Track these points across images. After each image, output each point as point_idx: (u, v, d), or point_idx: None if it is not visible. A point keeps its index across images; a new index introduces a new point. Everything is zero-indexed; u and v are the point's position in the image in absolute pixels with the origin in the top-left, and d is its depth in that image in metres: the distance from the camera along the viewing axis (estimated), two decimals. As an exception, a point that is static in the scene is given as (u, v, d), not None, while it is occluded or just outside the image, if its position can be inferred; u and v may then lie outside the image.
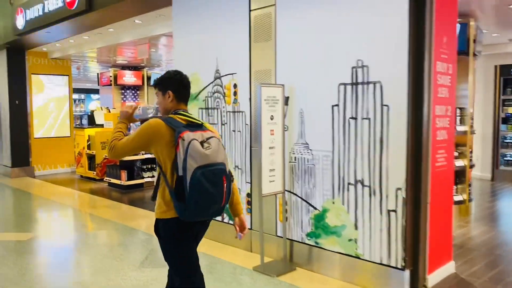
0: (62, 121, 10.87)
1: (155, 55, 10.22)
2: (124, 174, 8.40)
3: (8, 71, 10.02)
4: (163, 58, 10.91)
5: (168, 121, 2.37)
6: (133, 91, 12.85)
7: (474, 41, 5.67)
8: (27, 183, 9.74)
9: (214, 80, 4.96)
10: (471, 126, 5.77)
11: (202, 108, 5.14)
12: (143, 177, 8.67)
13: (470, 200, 5.90)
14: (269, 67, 4.36)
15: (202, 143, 2.29)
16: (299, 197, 4.19)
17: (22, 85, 10.23)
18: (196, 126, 2.39)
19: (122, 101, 12.71)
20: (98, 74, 13.23)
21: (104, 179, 8.92)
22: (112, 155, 2.44)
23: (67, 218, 6.76)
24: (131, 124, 2.65)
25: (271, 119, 4.06)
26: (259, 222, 4.07)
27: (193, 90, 5.14)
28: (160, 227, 2.42)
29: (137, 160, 8.52)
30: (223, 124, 4.90)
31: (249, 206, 4.67)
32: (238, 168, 4.75)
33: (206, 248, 4.75)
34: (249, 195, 4.66)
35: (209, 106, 5.05)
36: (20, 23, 8.22)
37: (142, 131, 2.36)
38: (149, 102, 12.97)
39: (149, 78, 12.72)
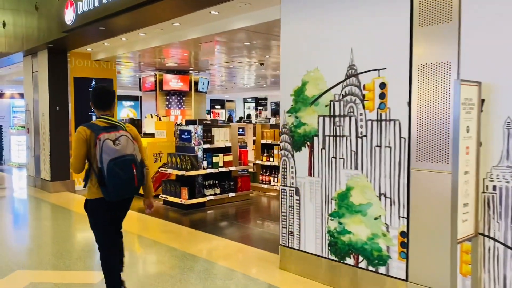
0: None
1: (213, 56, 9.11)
2: (185, 192, 7.24)
3: (49, 73, 9.02)
4: (218, 60, 9.80)
5: (90, 126, 3.13)
6: (179, 97, 11.76)
7: None
8: (68, 199, 8.67)
9: (346, 78, 3.76)
10: None
11: (324, 116, 3.94)
12: (204, 195, 7.49)
13: None
14: (447, 59, 3.13)
15: (114, 141, 3.05)
16: (500, 243, 2.93)
17: (64, 89, 9.21)
18: (112, 127, 3.14)
19: (167, 108, 11.62)
20: (140, 78, 12.19)
21: (160, 196, 7.78)
22: (73, 169, 3.16)
23: (126, 246, 5.59)
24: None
25: (467, 131, 2.83)
26: (451, 278, 2.82)
27: (310, 92, 3.95)
28: (88, 205, 3.23)
29: (198, 175, 7.36)
30: (360, 137, 3.68)
31: (404, 250, 3.42)
32: (386, 197, 3.52)
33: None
34: (404, 234, 3.42)
35: (337, 113, 3.84)
36: (69, 17, 7.18)
37: (76, 139, 3.11)
38: (195, 109, 11.88)
39: (196, 83, 11.62)
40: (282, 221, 4.39)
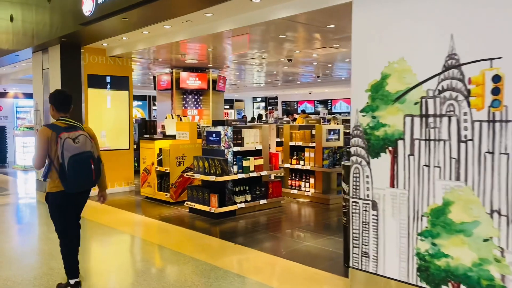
0: (120, 131, 9.17)
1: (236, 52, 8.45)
2: (215, 199, 6.60)
3: (61, 70, 8.38)
4: (242, 57, 9.15)
5: (51, 126, 3.58)
6: (196, 96, 11.11)
7: None
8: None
9: (445, 70, 3.12)
10: None
11: (412, 116, 3.30)
12: (235, 202, 6.85)
13: None
14: None
15: (74, 139, 3.49)
16: None
17: (77, 87, 8.57)
18: (71, 127, 3.59)
19: (183, 108, 10.97)
20: (154, 76, 11.54)
21: (185, 203, 7.13)
22: (35, 165, 3.57)
23: (146, 257, 4.93)
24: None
25: None
26: None
27: (393, 87, 3.32)
28: (49, 197, 3.63)
29: (228, 181, 6.72)
30: (464, 142, 3.05)
31: (528, 280, 2.79)
32: (500, 215, 2.88)
33: None
34: (526, 260, 2.79)
35: (430, 112, 3.21)
36: (87, 8, 6.54)
37: (39, 138, 3.53)
38: (214, 109, 11.24)
39: (214, 82, 10.97)
40: (353, 239, 3.75)
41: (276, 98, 22.46)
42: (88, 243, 5.80)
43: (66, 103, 3.73)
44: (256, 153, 7.26)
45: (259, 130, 7.37)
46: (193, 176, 6.98)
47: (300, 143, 8.22)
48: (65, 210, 3.64)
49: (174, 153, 7.64)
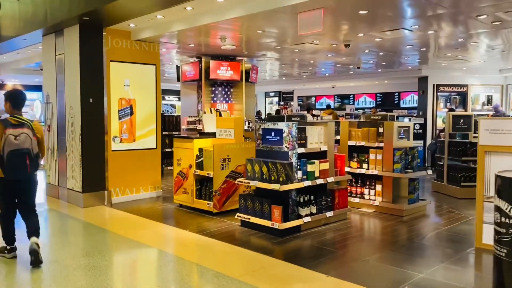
0: (147, 128, 7.91)
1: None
2: (278, 213, 5.38)
3: (81, 56, 7.08)
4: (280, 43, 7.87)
5: (3, 121, 4.22)
6: (226, 89, 9.84)
7: None
8: (107, 216, 6.83)
9: None
10: None
11: None
12: (299, 216, 5.64)
13: None
14: None
15: (16, 136, 4.13)
16: None
17: (99, 76, 7.29)
18: (20, 125, 4.22)
19: (212, 101, 9.70)
20: (178, 66, 10.25)
21: (237, 216, 5.91)
22: None
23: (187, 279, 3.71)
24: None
25: None
26: None
27: None
28: None
29: (292, 190, 5.50)
30: None
31: None
32: None
33: None
34: None
35: None
36: (122, -25, 5.26)
37: None
38: (246, 102, 9.98)
39: (247, 72, 9.70)
40: None
41: (292, 92, 21.20)
42: (114, 262, 4.56)
43: (21, 102, 4.46)
44: (320, 155, 6.06)
45: (323, 127, 6.16)
46: (249, 183, 5.75)
47: (362, 143, 7.02)
48: (5, 193, 4.40)
49: (218, 155, 6.40)
